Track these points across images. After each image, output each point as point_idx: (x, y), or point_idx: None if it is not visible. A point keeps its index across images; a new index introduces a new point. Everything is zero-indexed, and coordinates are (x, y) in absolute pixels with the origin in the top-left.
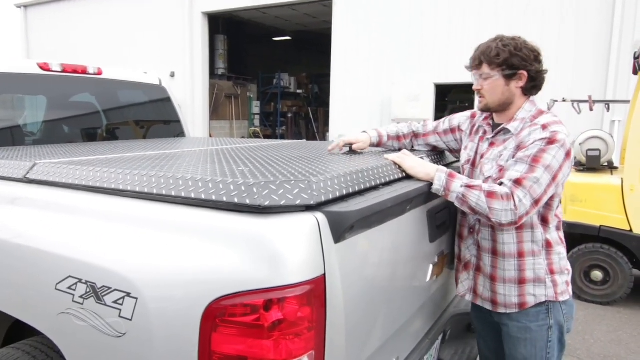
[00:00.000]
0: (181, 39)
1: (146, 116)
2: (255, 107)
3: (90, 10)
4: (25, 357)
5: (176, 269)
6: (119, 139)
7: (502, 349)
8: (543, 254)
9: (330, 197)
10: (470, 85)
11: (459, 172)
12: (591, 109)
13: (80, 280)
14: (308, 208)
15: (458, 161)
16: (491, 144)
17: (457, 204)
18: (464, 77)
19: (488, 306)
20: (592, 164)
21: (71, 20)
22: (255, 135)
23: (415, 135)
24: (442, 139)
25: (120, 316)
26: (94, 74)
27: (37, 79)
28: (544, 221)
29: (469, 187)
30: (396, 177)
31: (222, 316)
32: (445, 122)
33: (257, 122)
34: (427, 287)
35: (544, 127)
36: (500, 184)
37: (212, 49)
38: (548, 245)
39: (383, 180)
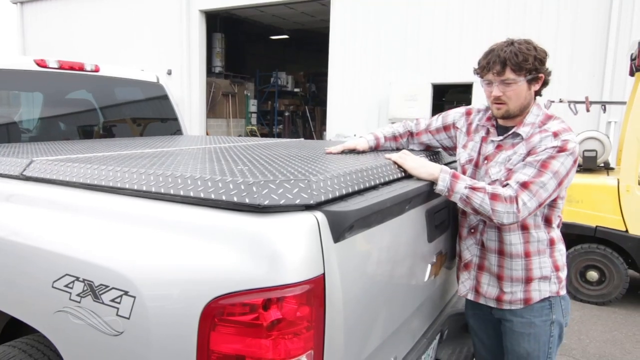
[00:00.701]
0: (178, 37)
1: (143, 114)
2: (253, 106)
3: (87, 6)
4: (21, 355)
5: (174, 268)
6: (116, 136)
7: (498, 346)
8: (548, 252)
9: (330, 196)
10: (467, 85)
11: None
12: (588, 110)
13: (77, 279)
14: (307, 207)
15: (455, 161)
16: (498, 147)
17: (460, 204)
18: (461, 77)
19: (492, 304)
20: (589, 165)
21: (68, 17)
22: (252, 134)
23: (411, 134)
24: (434, 137)
25: (117, 315)
26: (91, 71)
27: (33, 76)
28: (548, 221)
29: (473, 188)
30: (395, 176)
31: (221, 315)
32: (439, 120)
33: (254, 120)
34: (426, 286)
35: (555, 134)
36: (506, 185)
37: (209, 47)
38: (552, 243)
39: (382, 180)
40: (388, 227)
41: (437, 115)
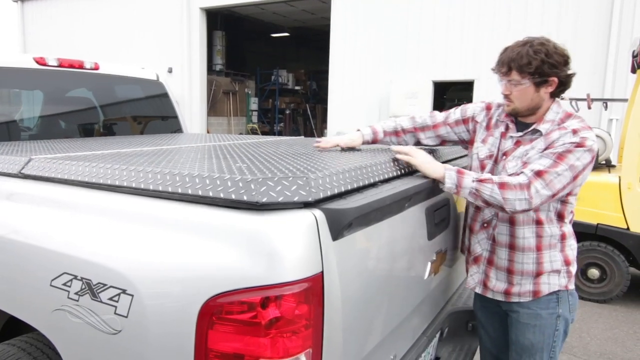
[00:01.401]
0: (179, 35)
1: (143, 112)
2: (253, 104)
3: (88, 4)
4: (20, 353)
5: (173, 266)
6: (115, 134)
7: (503, 338)
8: (559, 247)
9: (329, 194)
10: (468, 83)
11: (468, 169)
12: (589, 107)
13: (75, 277)
14: (306, 205)
15: (457, 159)
16: (517, 143)
17: (470, 198)
18: (463, 74)
19: (500, 297)
20: None
21: (68, 15)
22: (253, 132)
23: (422, 128)
24: (453, 129)
25: (115, 313)
26: (91, 69)
27: (33, 74)
28: (560, 217)
29: (480, 181)
30: (395, 174)
31: (219, 313)
32: (457, 112)
33: (254, 118)
34: (425, 284)
35: (575, 132)
36: (520, 174)
37: (210, 45)
38: (563, 238)
39: (382, 178)
40: (387, 224)
41: (454, 109)
